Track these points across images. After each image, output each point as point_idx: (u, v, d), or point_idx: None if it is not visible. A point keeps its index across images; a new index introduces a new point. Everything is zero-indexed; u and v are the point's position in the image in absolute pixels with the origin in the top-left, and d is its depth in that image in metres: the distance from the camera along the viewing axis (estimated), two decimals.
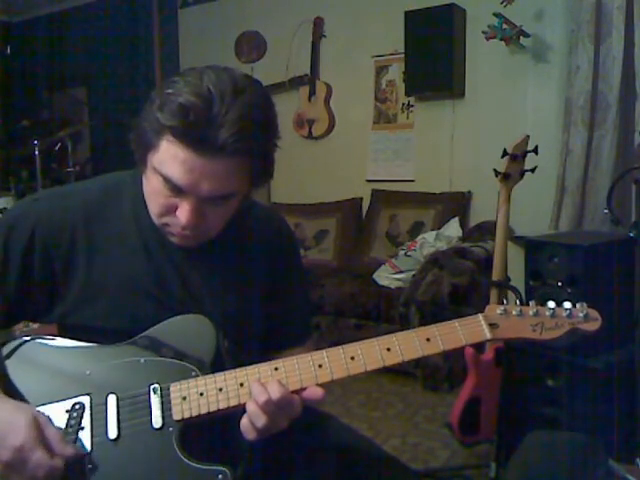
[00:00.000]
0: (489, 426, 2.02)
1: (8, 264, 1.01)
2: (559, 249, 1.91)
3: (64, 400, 0.94)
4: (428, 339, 0.96)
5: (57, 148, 4.61)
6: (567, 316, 0.98)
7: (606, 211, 2.30)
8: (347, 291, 3.25)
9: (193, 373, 0.96)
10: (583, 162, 3.03)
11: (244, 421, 0.92)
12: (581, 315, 0.98)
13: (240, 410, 0.93)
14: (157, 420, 0.93)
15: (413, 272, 3.07)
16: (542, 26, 3.29)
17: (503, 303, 1.01)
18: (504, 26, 3.16)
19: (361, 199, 4.01)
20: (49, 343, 1.01)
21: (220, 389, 0.94)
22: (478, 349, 2.10)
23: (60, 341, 1.01)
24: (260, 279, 1.13)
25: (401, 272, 3.24)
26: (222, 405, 0.93)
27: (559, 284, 1.88)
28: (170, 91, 0.90)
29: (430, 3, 3.50)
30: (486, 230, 3.23)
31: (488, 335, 0.98)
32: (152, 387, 0.94)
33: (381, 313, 3.09)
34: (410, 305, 2.89)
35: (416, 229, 3.58)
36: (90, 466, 0.90)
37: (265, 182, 1.04)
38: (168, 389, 0.94)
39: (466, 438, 2.07)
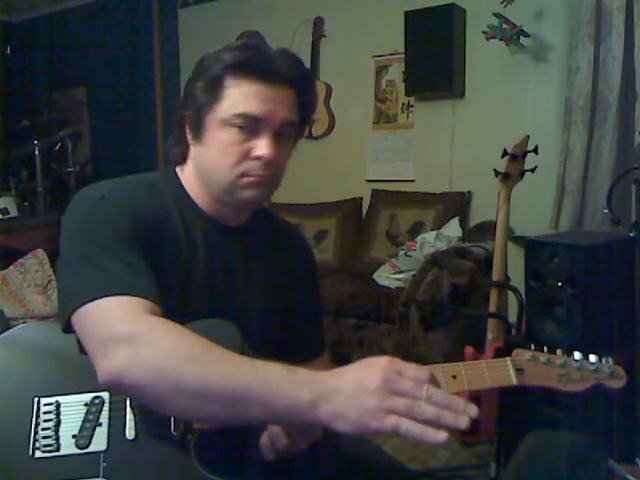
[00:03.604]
0: (489, 426, 2.02)
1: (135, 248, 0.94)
2: (559, 249, 1.91)
3: (83, 393, 0.92)
4: (454, 376, 0.94)
5: (57, 148, 4.61)
6: (593, 370, 0.97)
7: (606, 211, 2.30)
8: (347, 291, 3.25)
9: None
10: (583, 162, 3.02)
11: (264, 441, 0.91)
12: (607, 371, 0.96)
13: (259, 425, 0.91)
14: (176, 426, 0.90)
15: (413, 272, 3.07)
16: (542, 26, 3.29)
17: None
18: (504, 26, 3.16)
19: (361, 199, 4.00)
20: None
21: None
22: (478, 349, 2.10)
23: None
24: (283, 289, 1.14)
25: (401, 272, 3.24)
26: None
27: (559, 284, 1.88)
28: (219, 48, 1.01)
29: (430, 3, 3.50)
30: (486, 230, 3.23)
31: (514, 380, 0.97)
32: None
33: (381, 313, 3.08)
34: (410, 305, 2.89)
35: (416, 229, 3.58)
36: (105, 464, 0.87)
37: (307, 125, 1.10)
38: None
39: (466, 438, 2.07)
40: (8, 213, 4.08)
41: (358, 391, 0.73)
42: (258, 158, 0.99)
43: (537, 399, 1.97)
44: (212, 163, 1.02)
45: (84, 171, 5.08)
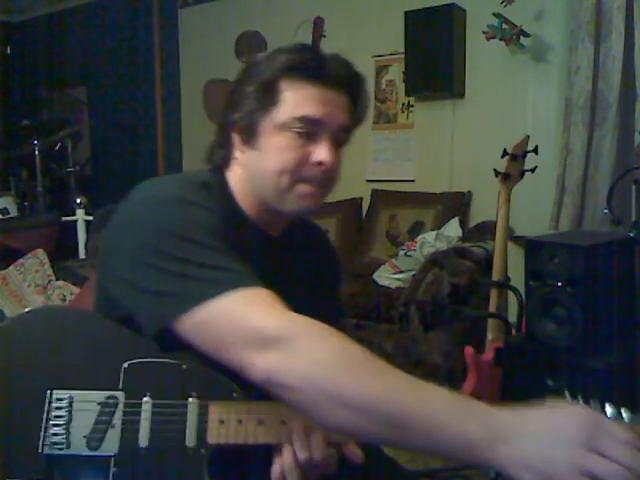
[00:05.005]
0: None
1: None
2: (559, 249, 1.91)
3: (98, 390, 0.87)
4: None
5: (57, 148, 4.62)
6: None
7: (606, 211, 2.30)
8: (347, 291, 3.25)
9: (234, 395, 0.89)
10: (583, 162, 3.02)
11: (276, 472, 0.88)
12: None
13: (274, 446, 0.89)
14: (191, 438, 0.86)
15: (413, 272, 3.07)
16: (542, 26, 3.29)
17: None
18: (504, 26, 3.16)
19: (361, 199, 4.00)
20: (95, 320, 0.95)
21: (260, 422, 0.88)
22: (478, 349, 2.10)
23: (106, 322, 0.93)
24: (314, 296, 1.11)
25: (401, 272, 3.24)
26: (260, 440, 0.88)
27: (559, 284, 1.88)
28: (269, 52, 0.99)
29: (430, 3, 3.50)
30: (486, 230, 3.23)
31: None
32: (191, 400, 0.88)
33: (381, 313, 3.08)
34: (410, 305, 2.89)
35: (416, 229, 3.58)
36: (115, 469, 0.84)
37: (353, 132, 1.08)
38: (207, 407, 0.88)
39: None
40: (8, 213, 4.09)
41: (553, 439, 0.63)
42: (319, 164, 0.96)
43: (537, 398, 1.97)
44: (268, 169, 0.97)
45: (84, 171, 5.08)
